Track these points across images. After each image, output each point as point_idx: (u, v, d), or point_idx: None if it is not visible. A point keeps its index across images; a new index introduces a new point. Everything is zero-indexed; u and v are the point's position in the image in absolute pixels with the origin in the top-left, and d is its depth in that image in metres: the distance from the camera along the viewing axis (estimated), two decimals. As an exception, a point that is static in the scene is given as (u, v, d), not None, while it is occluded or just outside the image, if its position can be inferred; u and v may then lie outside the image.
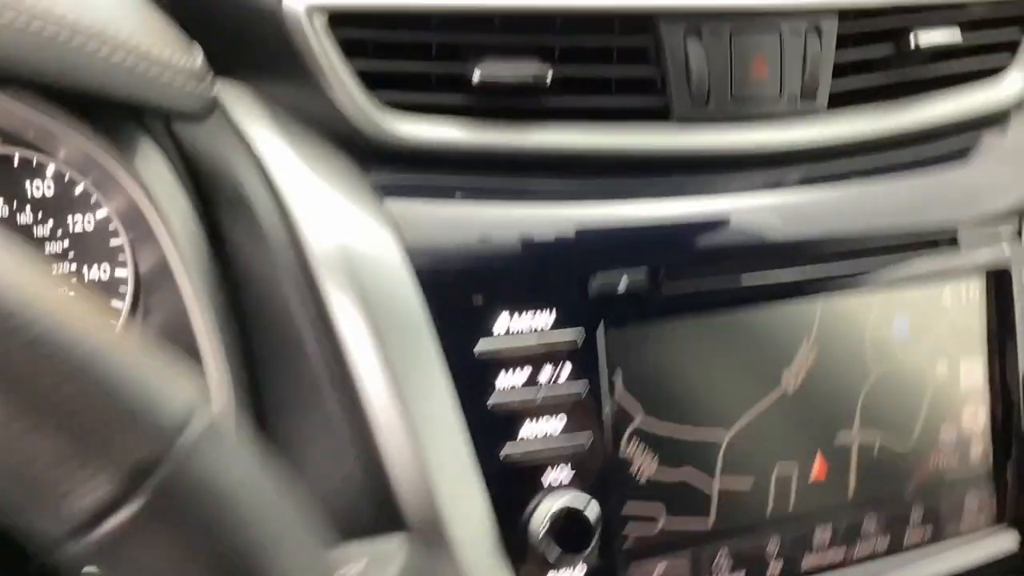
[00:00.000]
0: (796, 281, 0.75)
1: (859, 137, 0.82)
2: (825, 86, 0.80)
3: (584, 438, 0.69)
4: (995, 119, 0.89)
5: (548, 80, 0.70)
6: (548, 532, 0.66)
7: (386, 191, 0.68)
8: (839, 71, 0.81)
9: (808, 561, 0.77)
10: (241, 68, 0.71)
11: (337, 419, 0.64)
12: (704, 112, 0.76)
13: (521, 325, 0.67)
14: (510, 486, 0.67)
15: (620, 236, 0.71)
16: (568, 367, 0.68)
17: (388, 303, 0.64)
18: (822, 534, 0.78)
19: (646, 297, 0.70)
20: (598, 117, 0.75)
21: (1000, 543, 0.83)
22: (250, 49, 0.70)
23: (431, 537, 0.65)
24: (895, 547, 0.80)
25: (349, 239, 0.65)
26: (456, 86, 0.70)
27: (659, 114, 0.76)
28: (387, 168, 0.69)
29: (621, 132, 0.75)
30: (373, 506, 0.65)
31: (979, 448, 0.82)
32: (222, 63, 0.70)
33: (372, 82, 0.69)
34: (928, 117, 0.84)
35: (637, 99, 0.75)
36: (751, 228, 0.74)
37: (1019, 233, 0.82)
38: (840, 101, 0.81)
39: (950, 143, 0.86)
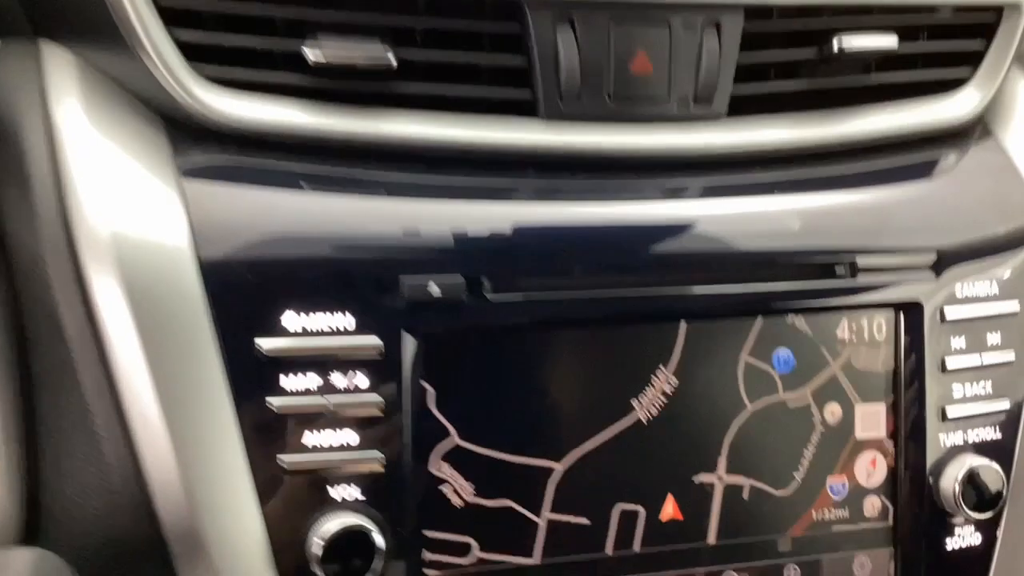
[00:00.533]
0: (654, 300, 0.68)
1: (768, 146, 0.74)
2: (724, 89, 0.72)
3: (380, 455, 0.62)
4: (934, 140, 0.79)
5: (392, 64, 0.65)
6: (326, 554, 0.60)
7: (190, 173, 0.63)
8: (746, 74, 0.73)
9: (653, 614, 0.69)
10: (64, 32, 0.67)
11: (95, 412, 0.59)
12: (576, 110, 0.69)
13: (316, 325, 0.61)
14: (290, 500, 0.61)
15: (440, 238, 0.64)
16: (366, 376, 0.62)
17: (159, 292, 0.59)
18: (672, 586, 0.69)
19: (467, 307, 0.64)
20: (462, 108, 0.69)
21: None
22: (74, 12, 0.66)
23: (190, 552, 0.60)
24: (765, 608, 0.71)
25: (127, 220, 0.60)
26: (292, 65, 0.65)
27: (527, 109, 0.69)
28: (200, 148, 0.65)
29: (476, 125, 0.69)
30: (130, 511, 0.59)
31: (875, 506, 0.73)
32: (47, 25, 0.66)
33: (195, 55, 0.64)
34: (847, 132, 0.75)
35: (501, 91, 0.69)
36: (603, 239, 0.67)
37: (938, 269, 0.73)
38: (747, 108, 0.73)
39: (873, 161, 0.77)
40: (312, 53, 0.64)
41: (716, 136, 0.73)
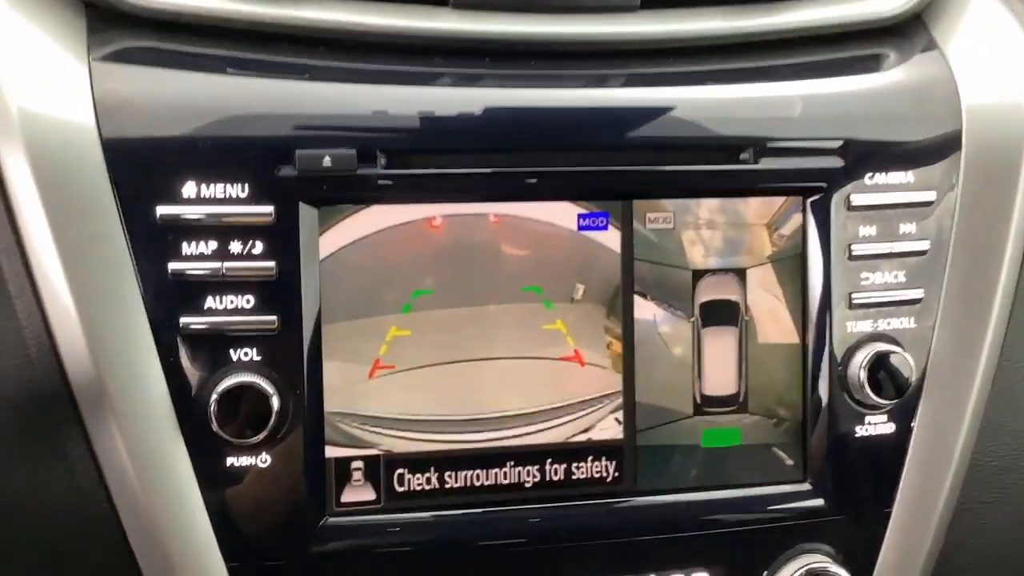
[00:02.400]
0: (549, 179, 0.69)
1: (681, 37, 0.75)
2: (641, -20, 0.73)
3: (275, 318, 0.65)
4: (866, 35, 0.79)
5: None
6: (221, 408, 0.63)
7: (101, 55, 0.66)
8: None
9: (579, 491, 0.71)
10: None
11: (6, 273, 0.63)
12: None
13: (212, 194, 0.64)
14: (190, 359, 0.64)
15: (336, 116, 0.67)
16: (260, 244, 0.65)
17: (64, 164, 0.63)
18: (600, 470, 0.71)
19: (358, 181, 0.66)
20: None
21: (801, 501, 0.74)
22: None
23: (95, 404, 0.63)
24: (681, 488, 0.73)
25: (36, 97, 0.63)
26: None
27: (442, -1, 0.71)
28: (116, 32, 0.68)
29: (387, 13, 0.71)
30: (40, 366, 0.63)
31: (785, 395, 0.73)
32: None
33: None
34: (761, 25, 0.76)
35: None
36: (496, 122, 0.69)
37: (847, 157, 0.73)
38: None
39: (803, 55, 0.77)
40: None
41: (630, 26, 0.74)
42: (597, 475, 0.71)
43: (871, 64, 0.78)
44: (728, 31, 0.75)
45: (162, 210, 0.64)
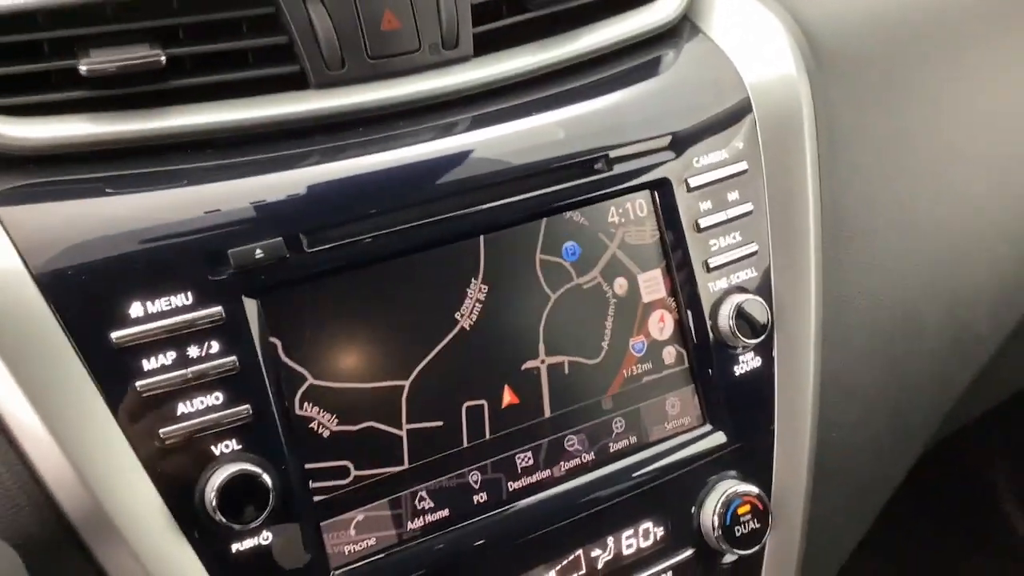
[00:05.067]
0: (452, 222, 0.77)
1: (513, 75, 0.84)
2: (467, 32, 0.82)
3: (248, 408, 0.70)
4: (655, 41, 0.92)
5: (162, 61, 0.71)
6: (219, 503, 0.67)
7: (2, 200, 0.67)
8: (482, 16, 0.83)
9: (514, 486, 0.80)
10: None
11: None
12: (343, 74, 0.77)
13: (159, 309, 0.68)
14: (177, 466, 0.68)
15: (253, 208, 0.71)
16: (216, 343, 0.69)
17: (8, 313, 0.64)
18: (524, 459, 0.80)
19: (290, 264, 0.71)
20: (242, 92, 0.76)
21: (706, 441, 0.86)
22: None
23: (101, 535, 0.65)
24: (603, 459, 0.83)
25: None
26: (70, 81, 0.70)
27: (300, 82, 0.77)
28: (3, 174, 0.69)
29: (255, 106, 0.76)
30: (35, 515, 0.64)
31: (672, 354, 0.86)
32: None
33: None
34: (580, 48, 0.87)
35: (271, 70, 0.76)
36: (398, 179, 0.76)
37: (677, 148, 0.86)
38: (492, 44, 0.84)
39: (607, 70, 0.89)
40: (85, 67, 0.69)
41: (470, 74, 0.83)
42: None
43: (670, 64, 0.91)
44: (550, 61, 0.86)
45: (116, 335, 0.66)
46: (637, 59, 0.91)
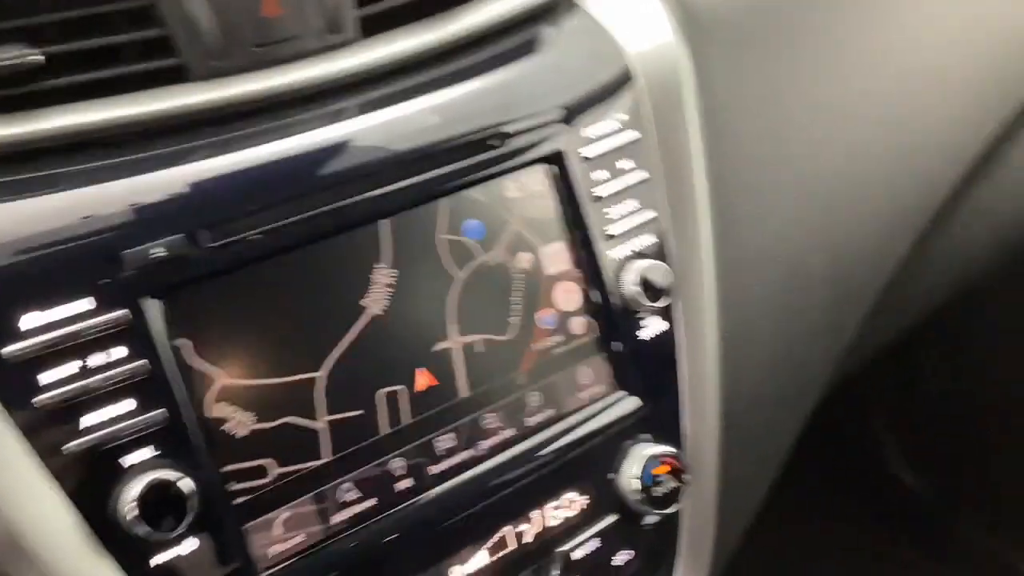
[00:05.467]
0: (351, 209, 0.76)
1: (400, 57, 0.83)
2: (351, 15, 0.80)
3: (159, 414, 0.67)
4: (536, 18, 0.93)
5: (40, 60, 0.67)
6: (137, 514, 0.64)
7: None
8: (368, -1, 0.81)
9: (436, 469, 0.79)
10: None
11: None
12: (225, 64, 0.75)
13: (54, 319, 0.64)
14: (90, 480, 0.65)
15: (144, 206, 0.69)
16: (120, 349, 0.66)
17: None
18: (445, 441, 0.80)
19: (191, 261, 0.69)
20: (121, 89, 0.73)
21: (620, 407, 0.87)
22: None
23: (12, 553, 0.62)
24: (521, 435, 0.83)
25: None
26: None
27: (183, 75, 0.74)
28: None
29: (136, 102, 0.72)
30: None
31: (581, 324, 0.87)
32: None
33: None
34: (465, 27, 0.87)
35: (151, 64, 0.73)
36: (292, 169, 0.74)
37: (568, 121, 0.86)
38: (378, 26, 0.82)
39: (492, 48, 0.89)
40: (-42, 72, 0.65)
41: (357, 58, 0.81)
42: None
43: (554, 40, 0.92)
44: (437, 42, 0.85)
45: (7, 350, 0.63)
46: (520, 36, 0.91)
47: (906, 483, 2.21)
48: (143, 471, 0.66)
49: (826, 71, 1.08)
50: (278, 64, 0.78)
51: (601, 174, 0.88)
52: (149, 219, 0.68)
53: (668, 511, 0.86)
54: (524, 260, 0.84)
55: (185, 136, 0.74)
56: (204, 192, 0.71)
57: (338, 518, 0.75)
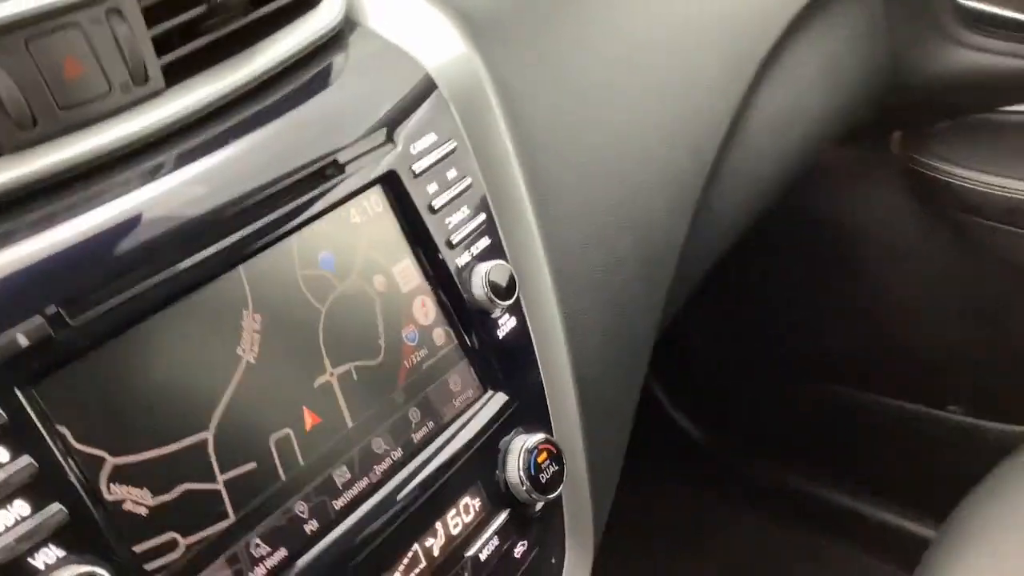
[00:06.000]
0: (206, 260, 0.74)
1: (211, 100, 0.81)
2: (153, 64, 0.77)
3: (56, 510, 0.62)
4: (330, 47, 0.93)
5: None
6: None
7: None
8: (165, 46, 0.79)
9: (338, 504, 0.78)
10: None
11: None
12: (35, 133, 0.71)
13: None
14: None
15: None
16: (6, 450, 0.61)
17: None
18: (341, 475, 0.79)
19: (54, 343, 0.65)
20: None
21: (491, 407, 0.90)
22: None
23: None
24: (410, 453, 0.84)
25: None
26: None
27: (-6, 151, 0.69)
28: None
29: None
30: None
31: (441, 335, 0.88)
32: None
33: None
34: (267, 61, 0.86)
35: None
36: (136, 229, 0.71)
37: (391, 140, 0.88)
38: (180, 74, 0.80)
39: (301, 79, 0.89)
40: None
41: (170, 106, 0.79)
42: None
43: (356, 64, 0.93)
44: (241, 81, 0.84)
45: None
46: (320, 66, 0.92)
47: (682, 426, 2.38)
48: (56, 571, 0.61)
49: (592, 50, 1.16)
50: (88, 124, 0.74)
51: (432, 187, 0.90)
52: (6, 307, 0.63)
53: (554, 495, 0.90)
54: (379, 283, 0.85)
55: (10, 214, 0.69)
56: (52, 269, 0.67)
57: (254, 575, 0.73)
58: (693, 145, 1.26)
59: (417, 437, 0.85)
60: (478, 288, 0.89)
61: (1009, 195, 1.69)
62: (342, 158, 0.84)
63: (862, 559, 2.06)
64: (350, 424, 0.80)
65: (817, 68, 1.55)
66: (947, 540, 1.41)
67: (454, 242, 0.90)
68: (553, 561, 0.95)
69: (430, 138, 0.91)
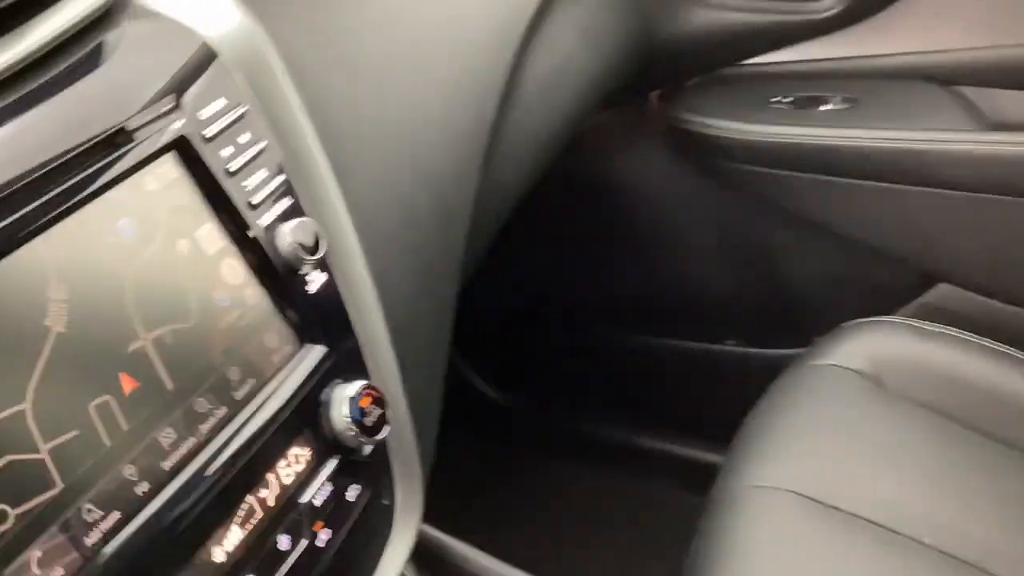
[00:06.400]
0: (4, 232, 0.72)
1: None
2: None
3: None
4: (105, 22, 0.92)
5: None
6: None
7: None
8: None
9: (168, 465, 0.79)
10: None
11: None
12: None
13: None
14: None
15: None
16: None
17: None
18: (167, 436, 0.80)
19: None
20: None
21: (310, 360, 0.92)
22: None
23: None
24: (234, 410, 0.85)
25: None
26: None
27: None
28: None
29: None
30: None
31: (254, 295, 0.90)
32: None
33: None
34: (35, 41, 0.84)
35: None
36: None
37: (178, 106, 0.88)
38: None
39: (76, 55, 0.87)
40: None
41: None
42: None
43: (134, 37, 0.92)
44: (23, 53, 0.83)
45: None
46: (94, 40, 0.91)
47: (480, 388, 2.47)
48: None
49: (370, 21, 1.20)
50: None
51: (227, 150, 0.91)
52: None
53: (380, 437, 0.94)
54: (183, 247, 0.86)
55: None
56: None
57: (89, 540, 0.72)
58: (473, 105, 1.32)
59: (239, 395, 0.86)
60: (285, 246, 0.91)
61: (750, 138, 1.86)
62: (130, 126, 0.84)
63: (661, 492, 2.20)
64: (170, 386, 0.81)
65: (576, 33, 1.65)
66: (734, 460, 1.54)
67: (255, 203, 0.91)
68: (386, 503, 0.99)
69: (217, 104, 0.92)
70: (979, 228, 1.81)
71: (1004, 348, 1.71)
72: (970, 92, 1.85)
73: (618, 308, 2.26)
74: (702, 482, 1.54)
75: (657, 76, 2.00)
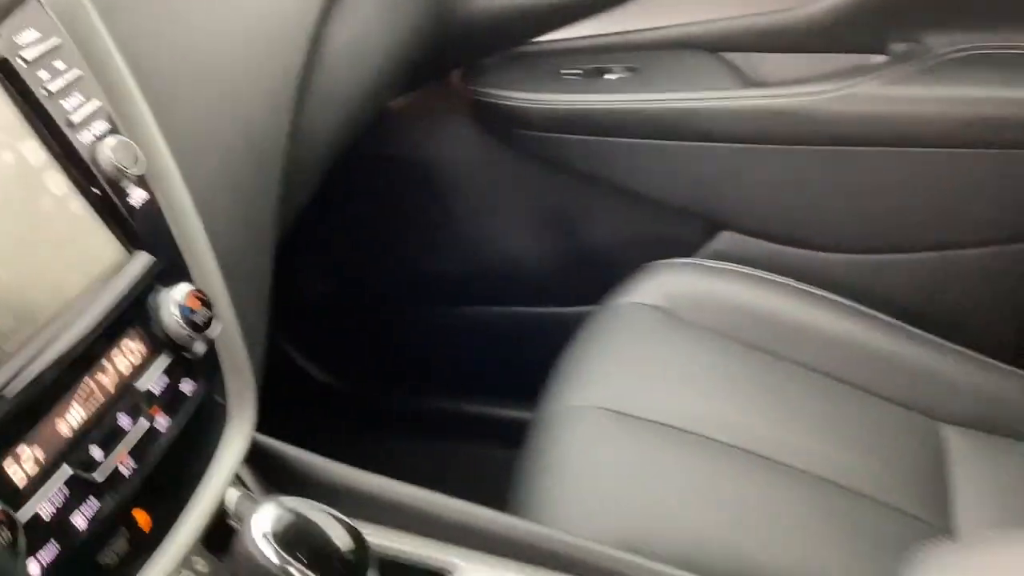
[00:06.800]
0: None
1: None
2: None
3: None
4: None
5: None
6: None
7: None
8: None
9: (10, 348, 0.85)
10: None
11: None
12: None
13: None
14: None
15: None
16: None
17: None
18: (5, 323, 0.85)
19: None
20: None
21: (137, 266, 0.99)
22: None
23: None
24: (68, 310, 0.92)
25: None
26: None
27: None
28: None
29: None
30: None
31: (79, 206, 0.96)
32: None
33: None
34: None
35: None
36: None
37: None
38: None
39: None
40: None
41: None
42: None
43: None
44: None
45: None
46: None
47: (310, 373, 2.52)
48: None
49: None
50: None
51: (44, 74, 0.97)
52: None
53: (210, 333, 1.01)
54: (8, 158, 0.92)
55: None
56: None
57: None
58: (280, 60, 1.42)
59: (71, 294, 0.93)
60: (105, 162, 0.98)
61: (545, 106, 2.03)
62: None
63: (477, 452, 2.30)
64: (4, 279, 0.87)
65: (374, 9, 1.77)
66: (551, 388, 1.69)
67: (75, 122, 0.98)
68: (219, 400, 1.07)
69: (33, 34, 0.98)
70: (748, 176, 2.04)
71: (779, 278, 1.94)
72: (734, 57, 2.09)
73: (432, 282, 2.37)
74: (519, 434, 1.66)
75: (457, 54, 2.14)
